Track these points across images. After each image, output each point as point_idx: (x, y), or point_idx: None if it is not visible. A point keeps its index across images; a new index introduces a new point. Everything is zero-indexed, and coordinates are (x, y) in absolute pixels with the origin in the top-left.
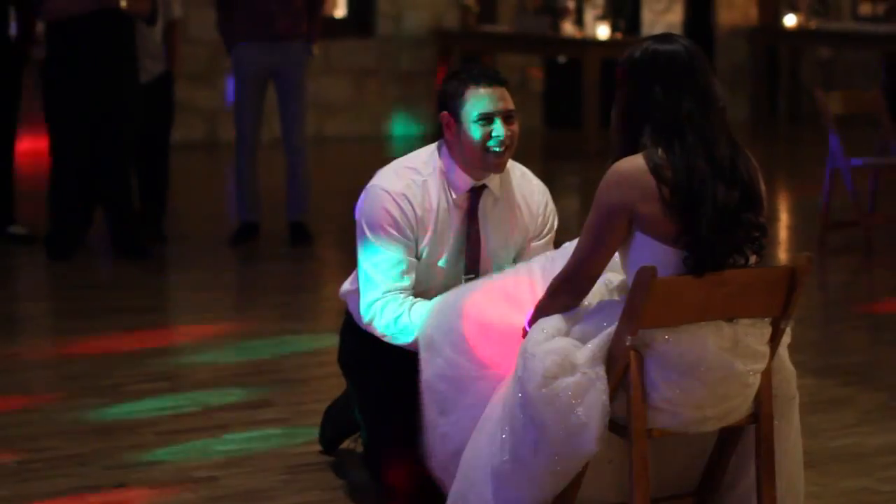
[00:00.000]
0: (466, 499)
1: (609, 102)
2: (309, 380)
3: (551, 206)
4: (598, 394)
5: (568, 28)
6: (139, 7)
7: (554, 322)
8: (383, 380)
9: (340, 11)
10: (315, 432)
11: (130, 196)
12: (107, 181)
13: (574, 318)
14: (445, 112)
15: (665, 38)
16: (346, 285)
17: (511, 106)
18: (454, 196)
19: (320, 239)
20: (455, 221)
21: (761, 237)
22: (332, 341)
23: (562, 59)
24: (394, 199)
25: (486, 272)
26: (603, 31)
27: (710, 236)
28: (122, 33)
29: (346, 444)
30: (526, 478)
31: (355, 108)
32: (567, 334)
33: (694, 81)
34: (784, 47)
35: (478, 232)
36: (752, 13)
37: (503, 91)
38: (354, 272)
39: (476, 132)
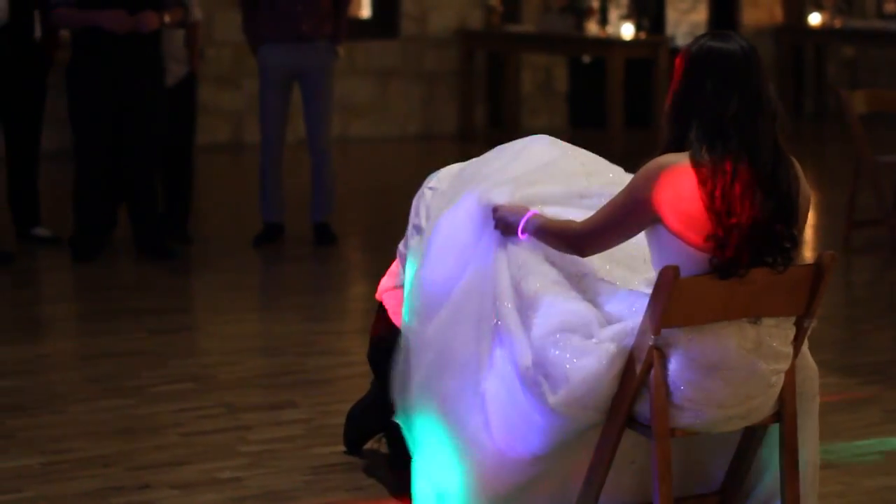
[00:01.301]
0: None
1: (633, 102)
2: (333, 380)
3: None
4: (593, 362)
5: (592, 28)
6: (177, 18)
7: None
8: None
9: (365, 12)
10: (339, 433)
11: (155, 198)
12: (131, 183)
13: (592, 291)
14: None
15: (724, 36)
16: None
17: None
18: None
19: (345, 240)
20: None
21: (791, 249)
22: (356, 342)
23: (586, 58)
24: None
25: None
26: (627, 31)
27: (741, 245)
28: (147, 36)
29: (369, 445)
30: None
31: (380, 109)
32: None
33: (745, 83)
34: (809, 46)
35: None
36: (776, 12)
37: None
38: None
39: None
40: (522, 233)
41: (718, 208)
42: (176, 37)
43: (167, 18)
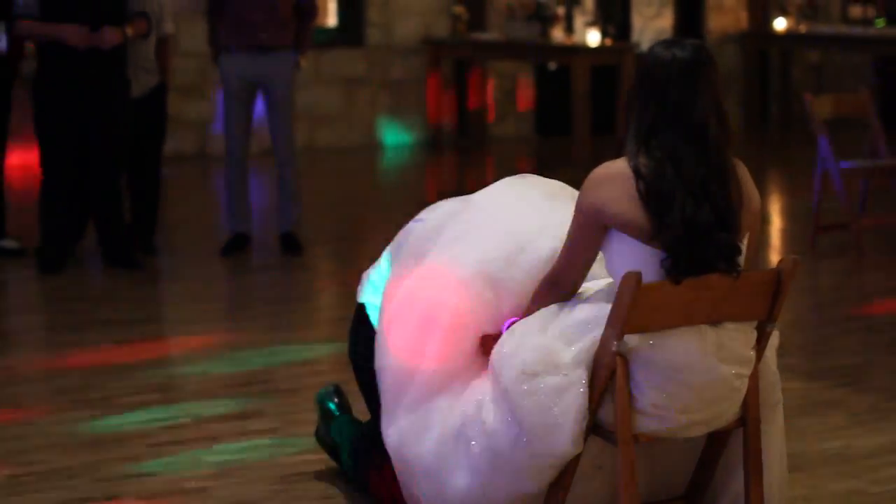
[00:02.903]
0: (442, 495)
1: (599, 109)
2: (300, 390)
3: None
4: (576, 397)
5: (558, 35)
6: (140, 30)
7: (529, 321)
8: None
9: (331, 20)
10: (307, 442)
11: (121, 208)
12: (97, 194)
13: (552, 316)
14: None
15: (670, 43)
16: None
17: None
18: None
19: (311, 249)
20: None
21: (735, 257)
22: (323, 351)
23: (552, 66)
24: None
25: None
26: (593, 38)
27: (680, 245)
28: (111, 49)
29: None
30: (509, 470)
31: (346, 118)
32: (544, 331)
33: (664, 92)
34: (774, 51)
35: None
36: (742, 17)
37: None
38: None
39: None
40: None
41: (655, 209)
42: (146, 47)
43: (129, 31)
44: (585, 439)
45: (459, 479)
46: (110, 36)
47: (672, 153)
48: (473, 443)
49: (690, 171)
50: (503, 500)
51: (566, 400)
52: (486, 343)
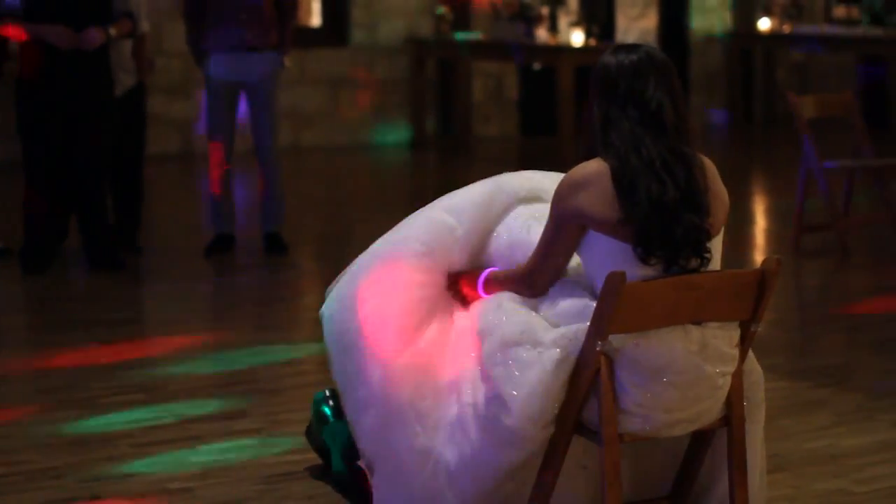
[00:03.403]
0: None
1: (583, 108)
2: (285, 390)
3: None
4: (537, 374)
5: (542, 35)
6: (124, 30)
7: (517, 297)
8: None
9: (315, 20)
10: (290, 442)
11: (105, 208)
12: (81, 194)
13: (538, 301)
14: None
15: (624, 48)
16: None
17: None
18: None
19: (296, 249)
20: None
21: (703, 240)
22: (307, 351)
23: (536, 66)
24: None
25: None
26: (577, 38)
27: (650, 223)
28: (94, 49)
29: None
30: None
31: (330, 118)
32: (531, 311)
33: (616, 86)
34: (759, 51)
35: None
36: (726, 17)
37: None
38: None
39: None
40: (484, 293)
41: (623, 198)
42: (124, 47)
43: (113, 32)
44: (569, 436)
45: (448, 454)
46: (92, 38)
47: (631, 140)
48: (456, 415)
49: (651, 151)
50: (492, 475)
51: (527, 375)
52: (457, 283)
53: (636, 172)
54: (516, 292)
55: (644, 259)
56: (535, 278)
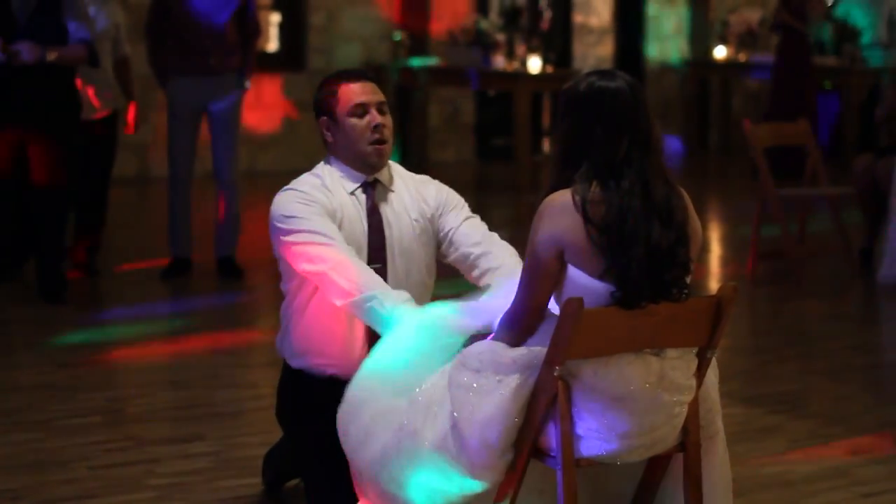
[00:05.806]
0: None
1: (540, 135)
2: (241, 413)
3: (441, 184)
4: (490, 405)
5: (499, 61)
6: (70, 57)
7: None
8: (322, 435)
9: (272, 45)
10: (247, 465)
11: (63, 241)
12: (41, 229)
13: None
14: (323, 117)
15: (608, 74)
16: (279, 336)
17: (382, 98)
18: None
19: (252, 273)
20: (359, 216)
21: (685, 275)
22: (263, 375)
23: (492, 92)
24: (305, 194)
25: (392, 261)
26: (534, 64)
27: (640, 276)
28: (59, 70)
29: (290, 484)
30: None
31: (287, 143)
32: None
33: (635, 122)
34: (714, 79)
35: (379, 222)
36: (682, 46)
37: (373, 86)
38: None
39: (354, 124)
40: None
41: (614, 244)
42: (103, 70)
43: (52, 56)
44: (525, 462)
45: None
46: (23, 50)
47: (645, 181)
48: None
49: (661, 194)
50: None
51: (481, 405)
52: None
53: (639, 218)
54: (503, 341)
55: (624, 302)
56: (523, 317)
